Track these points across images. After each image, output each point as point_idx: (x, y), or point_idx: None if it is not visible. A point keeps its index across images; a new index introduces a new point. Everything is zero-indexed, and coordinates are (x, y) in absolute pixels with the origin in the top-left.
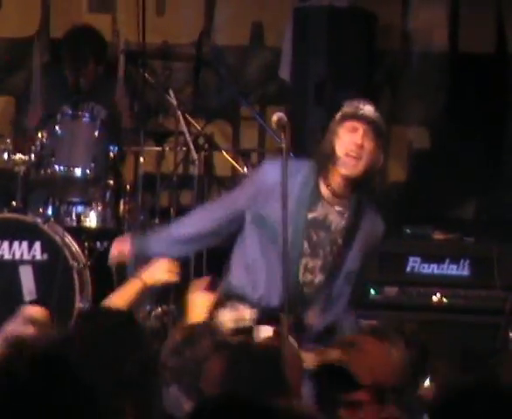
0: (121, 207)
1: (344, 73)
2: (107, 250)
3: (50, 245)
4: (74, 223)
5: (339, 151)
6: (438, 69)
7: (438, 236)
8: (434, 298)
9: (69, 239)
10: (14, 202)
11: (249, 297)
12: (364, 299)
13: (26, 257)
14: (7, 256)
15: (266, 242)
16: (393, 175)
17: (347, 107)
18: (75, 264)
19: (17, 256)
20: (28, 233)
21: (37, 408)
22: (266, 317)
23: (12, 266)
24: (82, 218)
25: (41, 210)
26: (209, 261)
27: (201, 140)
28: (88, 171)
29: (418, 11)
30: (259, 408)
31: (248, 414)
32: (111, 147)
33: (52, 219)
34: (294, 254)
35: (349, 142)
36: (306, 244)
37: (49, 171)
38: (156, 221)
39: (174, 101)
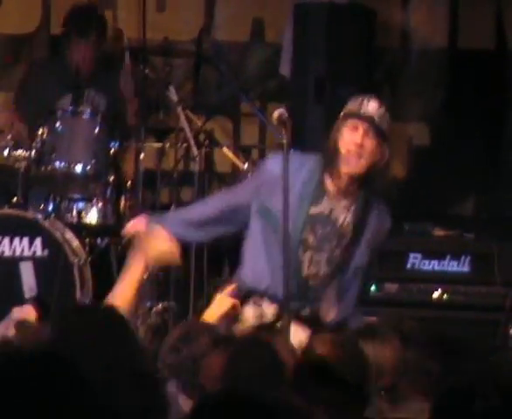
0: (122, 203)
1: (344, 70)
2: (107, 247)
3: (50, 242)
4: (75, 220)
5: (341, 149)
6: (437, 66)
7: (438, 232)
8: (435, 295)
9: (70, 235)
10: (14, 199)
11: (266, 291)
12: (364, 296)
13: (27, 253)
14: (7, 252)
15: (269, 232)
16: (393, 171)
17: (350, 105)
18: (76, 260)
19: (18, 252)
20: (28, 229)
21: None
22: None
23: (13, 263)
24: (83, 215)
25: (42, 207)
26: (209, 258)
27: (201, 137)
28: (89, 167)
29: (418, 8)
30: (259, 405)
31: (249, 410)
32: (111, 144)
33: (53, 215)
34: (297, 246)
35: (350, 141)
36: (311, 238)
37: (49, 167)
38: None
39: (174, 98)
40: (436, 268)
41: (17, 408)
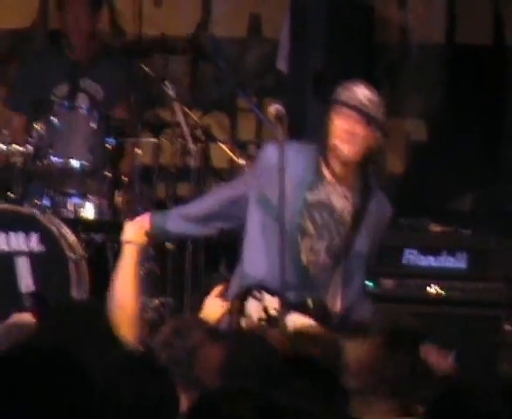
0: (118, 198)
1: (342, 65)
2: (103, 242)
3: (47, 237)
4: (71, 215)
5: (333, 137)
6: (435, 61)
7: (435, 228)
8: (431, 291)
9: (66, 230)
10: (11, 194)
11: (269, 285)
12: None
13: (23, 248)
14: (3, 247)
15: (268, 221)
16: (390, 167)
17: (342, 92)
18: (72, 255)
19: (14, 247)
20: (25, 224)
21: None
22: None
23: (9, 258)
24: (79, 210)
25: (38, 202)
26: (206, 254)
27: (198, 132)
28: (85, 163)
29: (416, 4)
30: (259, 401)
31: (249, 407)
32: (108, 139)
33: (49, 210)
34: (294, 234)
35: (340, 129)
36: (310, 226)
37: (46, 163)
38: None
39: (171, 93)
40: (432, 264)
41: (18, 403)
